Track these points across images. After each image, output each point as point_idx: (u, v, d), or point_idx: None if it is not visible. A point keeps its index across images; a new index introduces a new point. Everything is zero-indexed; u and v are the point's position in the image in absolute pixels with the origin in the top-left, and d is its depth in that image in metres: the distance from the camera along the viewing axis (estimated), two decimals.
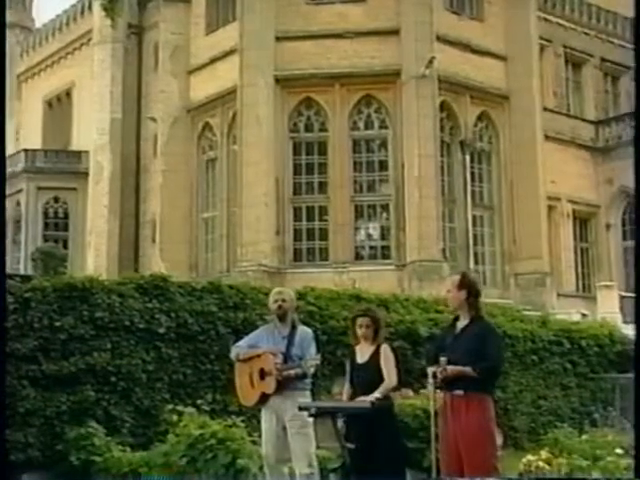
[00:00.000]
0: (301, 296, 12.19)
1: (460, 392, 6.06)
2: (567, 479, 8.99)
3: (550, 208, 27.44)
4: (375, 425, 6.56)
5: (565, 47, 31.15)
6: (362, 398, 6.63)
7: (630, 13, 34.12)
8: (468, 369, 6.01)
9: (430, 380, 6.06)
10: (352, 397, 6.93)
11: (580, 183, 30.01)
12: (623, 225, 30.68)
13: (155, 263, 25.60)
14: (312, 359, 7.04)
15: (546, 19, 29.74)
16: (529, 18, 26.29)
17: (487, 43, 25.45)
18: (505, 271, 25.30)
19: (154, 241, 27.76)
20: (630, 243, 30.52)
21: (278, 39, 24.06)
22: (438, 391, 6.08)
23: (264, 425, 7.39)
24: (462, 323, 6.38)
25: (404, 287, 21.98)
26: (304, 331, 7.58)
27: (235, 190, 24.56)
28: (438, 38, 23.66)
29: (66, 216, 32.31)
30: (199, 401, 10.28)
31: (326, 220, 24.26)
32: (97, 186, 30.03)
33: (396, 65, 23.59)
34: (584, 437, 10.85)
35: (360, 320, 7.09)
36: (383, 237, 24.45)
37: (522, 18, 26.05)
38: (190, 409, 9.43)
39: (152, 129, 28.75)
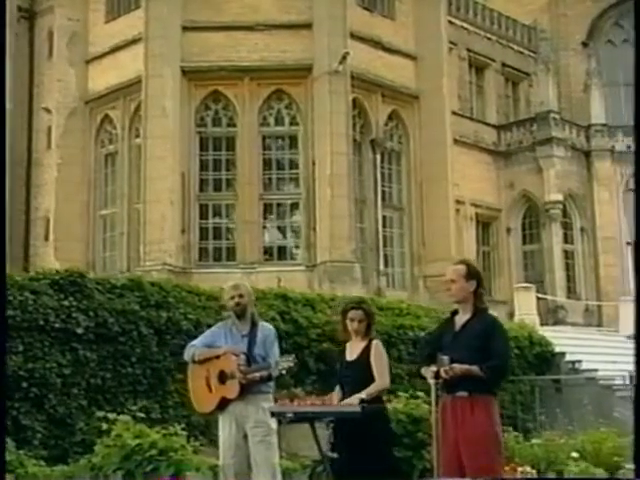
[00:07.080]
0: None
1: (464, 393, 5.40)
2: (569, 479, 8.62)
3: (455, 211, 27.35)
4: (364, 431, 5.80)
5: (469, 51, 31.24)
6: (347, 401, 5.91)
7: (528, 21, 35.06)
8: (475, 368, 5.34)
9: (431, 381, 5.37)
10: (343, 399, 6.15)
11: (482, 187, 30.11)
12: (523, 229, 31.03)
13: (48, 262, 23.95)
14: (286, 360, 6.21)
15: (451, 22, 29.68)
16: (439, 19, 26.14)
17: (398, 42, 25.12)
18: (414, 273, 24.95)
19: (47, 239, 26.16)
20: (529, 247, 30.96)
21: (185, 29, 22.99)
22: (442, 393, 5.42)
23: (222, 433, 6.56)
24: (462, 318, 5.71)
25: (314, 288, 21.34)
26: (266, 328, 6.79)
27: (137, 186, 23.39)
28: (351, 34, 23.13)
29: None
30: (129, 407, 9.41)
31: (233, 218, 23.42)
32: None
33: (308, 60, 22.88)
34: (534, 441, 10.47)
35: (352, 313, 6.29)
36: (293, 237, 23.74)
37: (432, 18, 25.85)
38: (125, 417, 8.50)
39: (46, 120, 27.07)
